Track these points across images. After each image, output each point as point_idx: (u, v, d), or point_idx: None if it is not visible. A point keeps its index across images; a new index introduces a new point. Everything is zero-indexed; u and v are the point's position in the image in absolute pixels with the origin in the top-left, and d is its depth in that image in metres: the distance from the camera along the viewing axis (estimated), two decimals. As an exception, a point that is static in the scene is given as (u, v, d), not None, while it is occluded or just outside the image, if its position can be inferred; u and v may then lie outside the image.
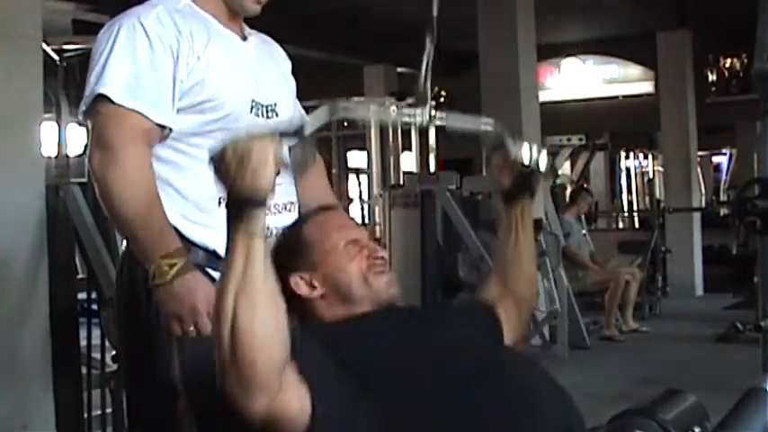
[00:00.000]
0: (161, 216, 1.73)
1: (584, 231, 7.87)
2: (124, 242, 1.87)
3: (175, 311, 1.69)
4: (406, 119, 1.83)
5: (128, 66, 1.74)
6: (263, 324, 1.37)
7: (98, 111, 1.74)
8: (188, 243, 1.77)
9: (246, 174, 1.37)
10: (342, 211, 1.95)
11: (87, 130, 1.80)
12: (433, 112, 1.81)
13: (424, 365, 1.55)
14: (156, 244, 1.70)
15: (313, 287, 1.66)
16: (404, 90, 8.89)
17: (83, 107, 1.78)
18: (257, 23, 1.97)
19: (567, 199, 8.49)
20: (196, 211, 1.77)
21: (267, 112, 1.86)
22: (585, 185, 8.10)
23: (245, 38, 1.90)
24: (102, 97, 1.73)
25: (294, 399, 1.43)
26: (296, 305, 1.60)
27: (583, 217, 8.06)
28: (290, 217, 1.85)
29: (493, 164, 1.85)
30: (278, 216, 1.82)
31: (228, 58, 1.82)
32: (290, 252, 1.66)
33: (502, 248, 1.89)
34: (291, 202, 1.87)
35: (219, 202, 1.77)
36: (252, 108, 1.82)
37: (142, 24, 1.76)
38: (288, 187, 1.86)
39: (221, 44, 1.82)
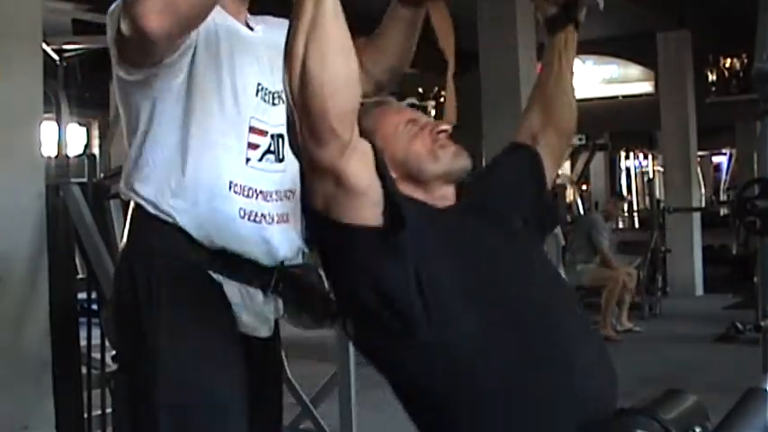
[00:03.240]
0: None
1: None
2: (124, 240, 1.87)
3: None
4: None
5: None
6: (334, 68, 1.35)
7: None
8: (191, 245, 1.77)
9: None
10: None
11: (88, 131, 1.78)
12: None
13: (490, 278, 1.56)
14: None
15: None
16: (404, 89, 8.89)
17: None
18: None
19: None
20: (205, 197, 1.76)
21: (274, 98, 1.84)
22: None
23: (250, 29, 1.90)
24: None
25: (364, 170, 1.42)
26: None
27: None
28: (290, 205, 1.84)
29: None
30: (279, 203, 1.82)
31: (235, 43, 1.81)
32: None
33: (545, 77, 1.89)
34: (291, 191, 1.86)
35: (230, 187, 1.77)
36: (258, 92, 1.82)
37: None
38: (289, 175, 1.85)
39: (226, 30, 1.81)
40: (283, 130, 1.83)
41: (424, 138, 1.66)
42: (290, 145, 1.45)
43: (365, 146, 1.44)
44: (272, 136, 1.83)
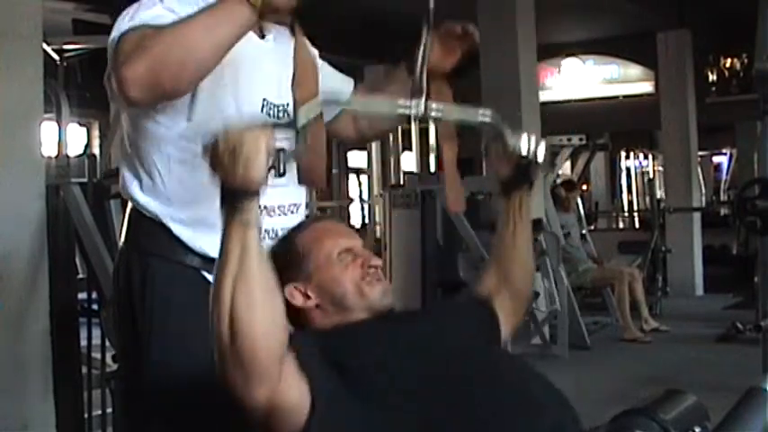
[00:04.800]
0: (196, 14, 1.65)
1: (583, 231, 7.85)
2: (122, 239, 1.86)
3: None
4: (401, 110, 1.80)
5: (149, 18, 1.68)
6: (262, 313, 1.38)
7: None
8: (186, 249, 1.77)
9: (239, 164, 1.38)
10: (335, 218, 1.94)
11: (88, 131, 1.78)
12: (429, 104, 1.79)
13: (420, 368, 1.55)
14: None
15: (308, 297, 1.66)
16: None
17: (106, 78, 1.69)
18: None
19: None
20: (204, 210, 1.76)
21: (278, 111, 1.83)
22: (569, 179, 8.02)
23: (262, 36, 1.88)
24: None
25: (294, 388, 1.44)
26: (291, 315, 1.60)
27: (583, 216, 8.04)
28: (294, 219, 1.84)
29: (491, 154, 1.86)
30: (282, 218, 1.82)
31: (241, 55, 1.80)
32: (285, 263, 1.64)
33: (500, 239, 1.90)
34: (296, 204, 1.86)
35: None
36: (263, 107, 1.81)
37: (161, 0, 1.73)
38: (293, 189, 1.85)
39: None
40: (284, 144, 1.83)
41: (354, 271, 1.68)
42: (219, 377, 1.44)
43: (293, 367, 1.45)
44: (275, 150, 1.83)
